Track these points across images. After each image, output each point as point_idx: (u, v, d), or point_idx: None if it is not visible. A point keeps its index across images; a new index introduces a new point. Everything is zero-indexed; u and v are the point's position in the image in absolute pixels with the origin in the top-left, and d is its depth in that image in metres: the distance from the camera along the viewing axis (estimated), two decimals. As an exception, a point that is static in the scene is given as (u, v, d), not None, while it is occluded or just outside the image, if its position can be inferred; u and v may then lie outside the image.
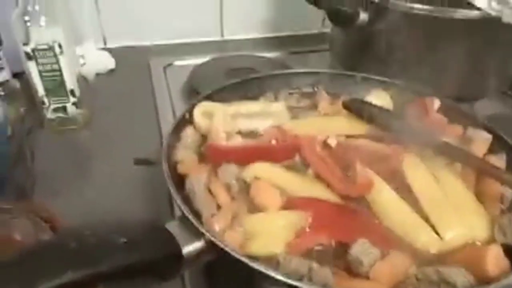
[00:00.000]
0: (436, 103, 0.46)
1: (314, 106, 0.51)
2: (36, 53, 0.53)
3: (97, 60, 0.79)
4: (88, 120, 0.63)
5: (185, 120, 0.45)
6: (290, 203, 0.36)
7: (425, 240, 0.34)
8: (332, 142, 0.42)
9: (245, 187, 0.38)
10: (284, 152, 0.41)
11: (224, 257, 0.32)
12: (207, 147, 0.42)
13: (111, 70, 0.82)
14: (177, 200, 0.34)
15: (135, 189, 0.52)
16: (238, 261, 0.30)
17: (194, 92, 0.70)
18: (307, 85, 0.54)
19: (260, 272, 0.30)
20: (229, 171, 0.39)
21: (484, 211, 0.37)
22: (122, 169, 0.55)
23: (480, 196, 0.38)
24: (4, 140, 0.44)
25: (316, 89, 0.54)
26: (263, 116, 0.46)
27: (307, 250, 0.33)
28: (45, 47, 0.53)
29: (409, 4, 0.55)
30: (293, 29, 1.04)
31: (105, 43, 0.93)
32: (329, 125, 0.46)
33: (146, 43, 0.94)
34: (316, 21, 1.06)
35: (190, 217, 0.32)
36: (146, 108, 0.69)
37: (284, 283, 0.29)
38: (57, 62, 0.55)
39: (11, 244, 0.30)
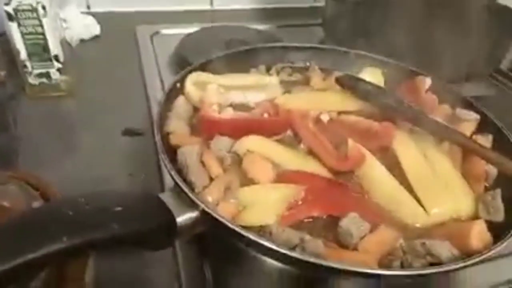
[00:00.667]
0: (427, 83, 0.46)
1: (306, 81, 0.50)
2: (18, 14, 0.51)
3: (81, 25, 0.76)
4: (72, 87, 0.61)
5: (177, 90, 0.44)
6: (283, 177, 0.36)
7: (412, 214, 0.35)
8: (325, 117, 0.42)
9: (238, 160, 0.38)
10: (277, 126, 0.41)
11: (218, 227, 0.32)
12: (200, 118, 0.41)
13: (96, 36, 0.79)
14: (171, 171, 0.34)
15: (122, 159, 0.51)
16: (232, 231, 0.30)
17: (183, 62, 0.68)
18: (300, 59, 0.53)
19: (253, 242, 0.30)
20: (221, 143, 0.39)
21: (469, 188, 0.38)
22: (109, 138, 0.54)
23: (466, 174, 0.40)
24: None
25: (308, 64, 0.53)
26: (255, 89, 0.45)
27: (298, 222, 0.34)
28: (28, 7, 0.50)
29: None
30: (284, 2, 1.02)
31: (88, 7, 0.90)
32: (322, 100, 0.46)
33: (132, 9, 0.91)
34: (308, -5, 1.04)
35: (185, 188, 0.32)
36: (132, 76, 0.68)
37: (277, 253, 0.29)
38: (41, 24, 0.52)
39: (0, 211, 0.29)
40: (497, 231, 0.33)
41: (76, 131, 0.55)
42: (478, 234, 0.32)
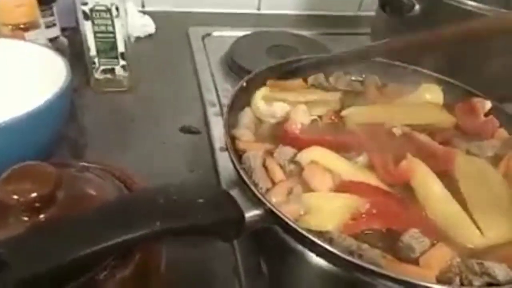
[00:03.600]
0: (487, 106, 0.47)
1: (361, 93, 0.52)
2: (94, 14, 0.54)
3: (138, 23, 0.80)
4: (132, 83, 0.64)
5: (242, 90, 0.46)
6: (342, 187, 0.38)
7: (468, 235, 0.36)
8: (397, 131, 0.43)
9: (299, 170, 0.40)
10: (351, 145, 0.42)
11: (281, 226, 0.34)
12: (283, 132, 0.43)
13: (150, 35, 0.83)
14: (240, 171, 0.36)
15: (181, 155, 0.54)
16: (295, 231, 0.32)
17: (235, 65, 0.71)
18: (356, 70, 0.55)
19: (315, 244, 0.32)
20: (285, 152, 0.41)
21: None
22: (166, 135, 0.57)
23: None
24: (68, 100, 0.45)
25: (363, 76, 0.55)
26: (318, 103, 0.47)
27: (358, 234, 0.35)
28: (103, 8, 0.54)
29: (464, 0, 0.55)
30: (328, 10, 1.04)
31: (143, 6, 0.94)
32: (387, 113, 0.47)
33: (183, 9, 0.95)
34: (353, 4, 1.05)
35: (252, 186, 0.35)
36: (186, 76, 0.71)
37: (336, 257, 0.31)
38: (112, 24, 0.56)
39: (87, 200, 0.32)
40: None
41: (137, 125, 0.58)
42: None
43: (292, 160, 0.41)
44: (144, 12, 0.85)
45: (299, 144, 0.42)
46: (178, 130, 0.57)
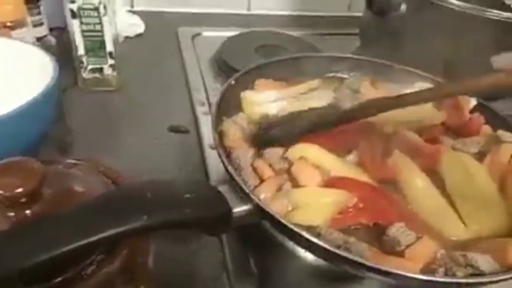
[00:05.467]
0: (472, 103, 0.48)
1: (354, 91, 0.52)
2: (81, 12, 0.54)
3: (127, 23, 0.79)
4: (121, 83, 0.64)
5: (230, 87, 0.47)
6: (331, 182, 0.38)
7: (452, 228, 0.37)
8: (388, 129, 0.44)
9: (288, 168, 0.40)
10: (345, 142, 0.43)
11: (269, 222, 0.34)
12: None
13: (139, 35, 0.83)
14: (228, 166, 0.37)
15: (170, 153, 0.54)
16: (283, 226, 0.33)
17: (224, 65, 0.71)
18: (345, 69, 0.55)
19: (300, 239, 0.32)
20: (274, 153, 0.41)
21: (506, 207, 0.40)
22: (155, 134, 0.57)
23: (502, 191, 0.41)
24: (55, 98, 0.45)
25: (352, 74, 0.55)
26: (307, 97, 0.48)
27: (345, 228, 0.36)
28: (91, 7, 0.54)
29: (450, 0, 0.56)
30: (318, 10, 1.04)
31: (132, 6, 0.93)
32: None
33: (172, 9, 0.95)
34: (342, 4, 1.06)
35: (240, 182, 0.35)
36: (175, 75, 0.71)
37: (323, 250, 0.31)
38: (100, 22, 0.56)
39: (73, 196, 0.32)
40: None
41: (125, 124, 0.58)
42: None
43: (282, 157, 0.41)
44: (133, 12, 0.85)
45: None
46: (166, 130, 0.57)
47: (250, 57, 0.72)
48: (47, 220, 0.25)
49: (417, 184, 0.39)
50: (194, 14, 0.94)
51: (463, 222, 0.37)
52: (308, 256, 0.40)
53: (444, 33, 0.57)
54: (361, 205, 0.36)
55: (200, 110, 0.60)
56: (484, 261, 0.32)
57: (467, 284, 0.31)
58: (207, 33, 0.85)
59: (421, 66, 0.55)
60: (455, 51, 0.58)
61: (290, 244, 0.40)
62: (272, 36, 0.82)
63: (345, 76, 0.55)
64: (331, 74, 0.56)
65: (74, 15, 0.54)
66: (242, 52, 0.74)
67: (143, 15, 0.85)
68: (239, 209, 0.34)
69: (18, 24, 0.52)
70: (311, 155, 0.40)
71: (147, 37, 0.83)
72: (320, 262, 0.39)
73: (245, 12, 1.00)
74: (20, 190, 0.26)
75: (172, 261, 0.39)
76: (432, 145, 0.43)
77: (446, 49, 0.58)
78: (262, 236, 0.41)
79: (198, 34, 0.84)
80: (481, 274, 0.31)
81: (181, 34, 0.83)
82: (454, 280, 0.31)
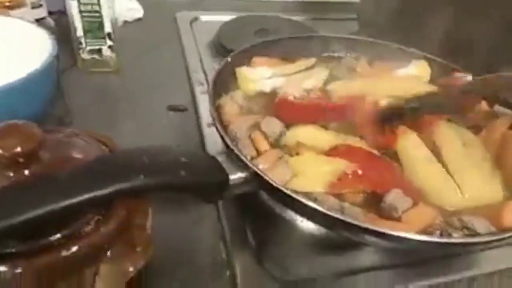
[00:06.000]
0: (468, 79, 0.48)
1: (351, 70, 0.52)
2: (79, -8, 0.54)
3: (126, 8, 0.80)
4: (120, 65, 0.64)
5: (227, 64, 0.47)
6: (331, 152, 0.39)
7: (449, 196, 0.37)
8: (383, 103, 0.44)
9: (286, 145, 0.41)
10: (345, 110, 0.43)
11: (265, 188, 0.35)
12: (279, 102, 0.44)
13: (138, 19, 0.83)
14: (225, 137, 0.37)
15: (168, 131, 0.54)
16: (278, 192, 0.33)
17: (222, 48, 0.71)
18: (342, 50, 0.55)
19: (297, 204, 0.33)
20: (272, 123, 0.41)
21: (502, 177, 0.40)
22: (154, 114, 0.57)
23: (498, 162, 0.42)
24: (53, 75, 0.45)
25: (348, 54, 0.55)
26: (304, 77, 0.48)
27: (341, 194, 0.36)
28: (89, -14, 0.54)
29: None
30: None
31: (130, -9, 0.93)
32: (372, 86, 0.47)
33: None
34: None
35: (237, 151, 0.35)
36: (174, 58, 0.71)
37: (319, 214, 0.32)
38: (98, 3, 0.56)
39: (72, 161, 0.32)
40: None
41: (124, 104, 0.58)
42: (511, 212, 0.34)
43: (280, 135, 0.41)
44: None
45: (292, 112, 0.42)
46: (165, 109, 0.58)
47: (249, 40, 0.71)
48: (43, 178, 0.25)
49: (416, 151, 0.40)
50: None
51: (460, 190, 0.37)
52: (306, 226, 0.41)
53: (438, 14, 0.57)
54: (360, 172, 0.36)
55: (199, 89, 0.60)
56: (480, 224, 0.33)
57: (464, 245, 0.31)
58: (206, 17, 0.85)
59: (417, 45, 0.56)
60: (448, 29, 0.58)
61: (288, 215, 0.41)
62: (271, 20, 0.82)
63: (342, 55, 0.56)
64: (329, 54, 0.56)
65: (72, -5, 0.55)
66: (241, 35, 0.74)
67: (142, 0, 0.85)
68: (236, 176, 0.34)
69: (16, 4, 0.53)
70: (307, 139, 0.40)
71: (146, 21, 0.83)
72: (318, 231, 0.40)
73: (243, -3, 1.00)
74: (18, 150, 0.26)
75: (172, 229, 0.39)
76: (429, 116, 0.43)
77: (440, 29, 0.58)
78: (260, 207, 0.42)
79: (196, 19, 0.84)
80: (477, 235, 0.32)
81: (180, 19, 0.83)
82: (450, 240, 0.31)
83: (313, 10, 0.96)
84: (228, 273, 0.37)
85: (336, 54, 0.57)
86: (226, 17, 0.81)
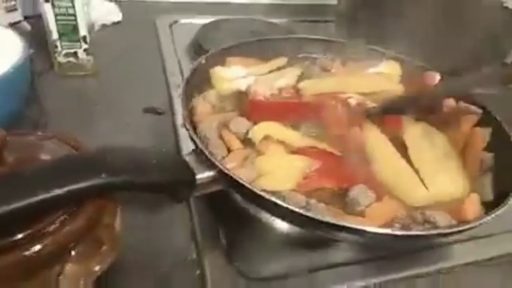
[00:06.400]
0: (436, 78, 0.50)
1: (325, 70, 0.53)
2: (53, -5, 0.54)
3: (103, 11, 0.80)
4: (97, 68, 0.64)
5: (201, 66, 0.47)
6: (296, 152, 0.40)
7: (414, 191, 0.38)
8: (352, 101, 0.45)
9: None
10: (315, 108, 0.44)
11: (233, 187, 0.35)
12: (250, 102, 0.45)
13: (117, 23, 0.83)
14: (194, 137, 0.37)
15: (144, 134, 0.54)
16: (246, 191, 0.33)
17: (201, 50, 0.72)
18: (318, 52, 0.56)
19: (265, 202, 0.33)
20: (240, 123, 0.42)
21: (465, 172, 0.41)
22: (130, 116, 0.57)
23: (463, 159, 0.43)
24: (26, 77, 0.45)
25: (324, 56, 0.56)
26: (278, 75, 0.49)
27: (309, 192, 0.37)
28: (63, -11, 0.54)
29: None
30: (298, -1, 1.06)
31: (111, -5, 0.93)
32: (342, 84, 0.49)
33: (152, -1, 0.95)
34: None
35: (205, 150, 0.36)
36: (152, 61, 0.71)
37: (287, 211, 0.32)
38: (73, 6, 0.56)
39: (37, 162, 0.32)
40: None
41: (101, 107, 0.58)
42: (472, 206, 0.35)
43: (247, 133, 0.42)
44: (112, 0, 0.85)
45: (262, 111, 0.43)
46: (142, 112, 0.58)
47: (227, 43, 0.73)
48: (5, 177, 0.25)
49: (382, 148, 0.41)
50: (172, 3, 0.95)
51: (425, 186, 0.38)
52: (278, 226, 0.41)
53: (411, 15, 0.59)
54: (324, 170, 0.37)
55: (176, 91, 0.61)
56: (441, 217, 0.34)
57: (422, 237, 0.32)
58: (185, 20, 0.85)
59: (391, 46, 0.57)
60: (420, 29, 0.60)
61: (260, 214, 0.41)
62: (250, 22, 0.83)
63: (318, 57, 0.57)
64: (304, 55, 0.57)
65: (46, -2, 0.55)
66: (220, 37, 0.75)
67: (121, 4, 0.85)
68: (204, 175, 0.35)
69: (-11, 8, 0.52)
70: (273, 133, 0.40)
71: (125, 25, 0.83)
72: (290, 230, 0.41)
73: (224, 0, 1.01)
74: (-20, 151, 0.27)
75: (143, 228, 0.40)
76: (395, 115, 0.44)
77: (413, 29, 0.59)
78: (232, 207, 0.42)
79: (176, 22, 0.84)
80: (436, 228, 0.33)
81: (159, 22, 0.83)
82: (407, 233, 0.32)
83: (293, 13, 0.98)
84: (198, 272, 0.37)
85: (312, 56, 0.58)
86: (207, 20, 0.82)
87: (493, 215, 0.33)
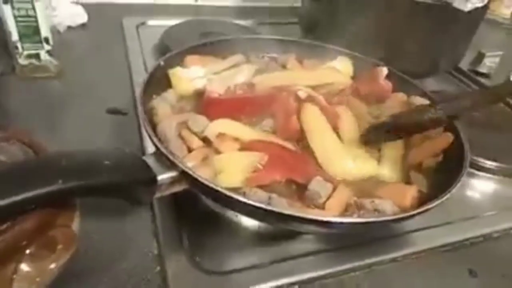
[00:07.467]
0: (384, 72, 0.52)
1: (283, 67, 0.55)
2: (12, -3, 0.54)
3: (69, 13, 0.79)
4: (60, 70, 0.64)
5: (160, 68, 0.48)
6: (247, 147, 0.41)
7: (339, 164, 0.41)
8: (302, 94, 0.46)
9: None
10: (268, 102, 0.46)
11: (195, 186, 0.36)
12: (204, 99, 0.46)
13: (83, 25, 0.82)
14: (153, 138, 0.38)
15: (108, 135, 0.55)
16: (207, 188, 0.34)
17: (168, 51, 0.72)
18: (277, 51, 0.58)
19: (226, 199, 0.34)
20: (198, 122, 0.43)
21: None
22: (94, 117, 0.57)
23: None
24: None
25: (283, 55, 0.58)
26: (233, 73, 0.50)
27: (268, 186, 0.38)
28: (22, -9, 0.54)
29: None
30: (265, 1, 1.07)
31: (77, -3, 0.92)
32: (292, 77, 0.50)
33: (119, 1, 0.95)
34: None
35: (165, 151, 0.36)
36: (118, 63, 0.71)
37: (248, 207, 0.33)
38: (33, 8, 0.55)
39: None
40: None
41: (64, 109, 0.58)
42: (411, 196, 0.38)
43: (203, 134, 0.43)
44: (78, 3, 0.85)
45: (218, 109, 0.44)
46: (106, 113, 0.58)
47: (192, 43, 0.73)
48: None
49: (315, 122, 0.44)
50: (140, 5, 0.95)
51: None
52: (240, 221, 0.42)
53: (370, 15, 0.62)
54: (272, 163, 0.38)
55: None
56: (388, 206, 0.36)
57: (371, 224, 0.35)
58: (152, 22, 0.85)
59: (347, 45, 0.60)
60: (381, 30, 0.62)
61: (223, 212, 0.43)
62: (217, 24, 0.84)
63: (277, 56, 0.58)
64: (264, 54, 0.59)
65: (5, 0, 0.54)
66: (186, 38, 0.75)
67: (88, 6, 0.84)
68: (164, 176, 0.35)
69: None
70: (228, 130, 0.42)
71: (92, 27, 0.82)
72: (253, 225, 0.42)
73: (192, 3, 1.02)
74: None
75: (105, 230, 0.40)
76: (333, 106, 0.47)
77: (372, 30, 0.62)
78: (195, 206, 0.43)
79: (143, 23, 0.84)
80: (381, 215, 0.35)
81: (126, 23, 0.83)
82: (355, 220, 0.34)
83: (259, 15, 0.99)
84: (158, 268, 0.38)
85: (272, 55, 0.60)
86: (174, 22, 0.83)
87: (430, 206, 0.35)
